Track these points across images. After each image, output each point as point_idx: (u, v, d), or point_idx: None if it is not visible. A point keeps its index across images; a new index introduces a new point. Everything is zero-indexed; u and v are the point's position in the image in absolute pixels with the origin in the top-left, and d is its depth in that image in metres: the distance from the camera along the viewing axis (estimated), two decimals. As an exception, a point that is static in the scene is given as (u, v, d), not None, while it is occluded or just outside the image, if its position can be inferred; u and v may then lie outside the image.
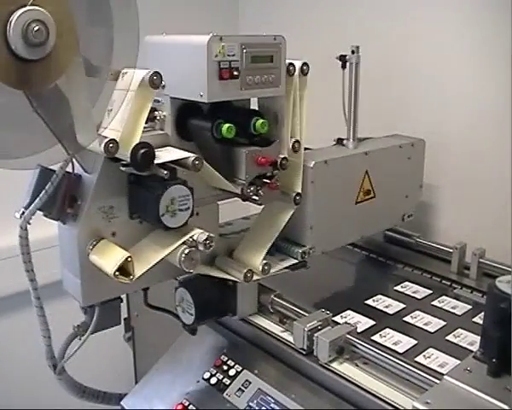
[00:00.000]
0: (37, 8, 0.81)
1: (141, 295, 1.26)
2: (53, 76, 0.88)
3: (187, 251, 1.04)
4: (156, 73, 0.99)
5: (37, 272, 1.11)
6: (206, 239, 1.05)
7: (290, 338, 1.19)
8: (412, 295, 1.44)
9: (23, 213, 1.05)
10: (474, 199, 1.68)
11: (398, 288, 1.48)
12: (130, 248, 1.07)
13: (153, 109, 1.13)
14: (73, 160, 1.06)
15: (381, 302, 1.40)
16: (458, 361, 1.06)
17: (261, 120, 1.12)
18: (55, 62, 0.87)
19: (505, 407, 0.86)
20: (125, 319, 1.72)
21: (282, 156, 1.18)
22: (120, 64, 0.99)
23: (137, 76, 0.98)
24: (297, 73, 1.19)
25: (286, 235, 1.30)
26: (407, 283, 1.51)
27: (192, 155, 1.03)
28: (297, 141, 1.22)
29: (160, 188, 1.01)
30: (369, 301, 1.40)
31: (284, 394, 1.15)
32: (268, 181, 1.16)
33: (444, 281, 1.53)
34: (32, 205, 1.04)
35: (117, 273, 0.99)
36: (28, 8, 0.81)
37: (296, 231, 1.31)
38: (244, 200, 1.17)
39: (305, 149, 1.36)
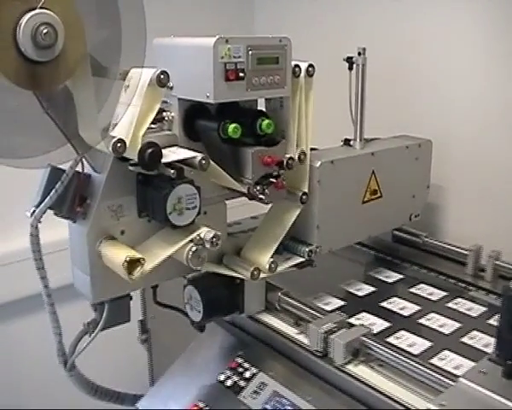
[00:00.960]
0: (46, 11, 0.84)
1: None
2: (62, 77, 0.91)
3: (194, 249, 1.06)
4: (163, 71, 1.00)
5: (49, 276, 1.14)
6: (212, 237, 1.07)
7: (305, 340, 1.20)
8: (427, 297, 1.44)
9: (34, 211, 1.07)
10: (485, 200, 1.69)
11: (413, 290, 1.47)
12: (138, 246, 1.10)
13: (161, 110, 1.15)
14: (83, 159, 1.08)
15: (395, 304, 1.39)
16: (473, 363, 1.07)
17: (267, 121, 1.14)
18: (64, 64, 0.89)
19: (520, 408, 0.86)
20: (140, 321, 1.74)
21: (289, 156, 1.19)
22: (128, 64, 1.01)
23: (145, 75, 1.00)
24: (303, 74, 1.20)
25: (293, 234, 1.32)
26: (422, 285, 1.50)
27: (199, 155, 1.05)
28: (303, 152, 1.23)
29: (167, 187, 1.03)
30: (384, 303, 1.40)
31: (300, 396, 1.15)
32: (274, 180, 1.17)
33: (459, 283, 1.52)
34: (43, 204, 1.06)
35: (125, 264, 1.01)
36: (37, 11, 0.83)
37: (303, 230, 1.33)
38: (250, 199, 1.19)
39: (313, 149, 1.38)
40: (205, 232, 1.07)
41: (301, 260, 1.31)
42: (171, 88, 1.12)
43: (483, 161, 1.67)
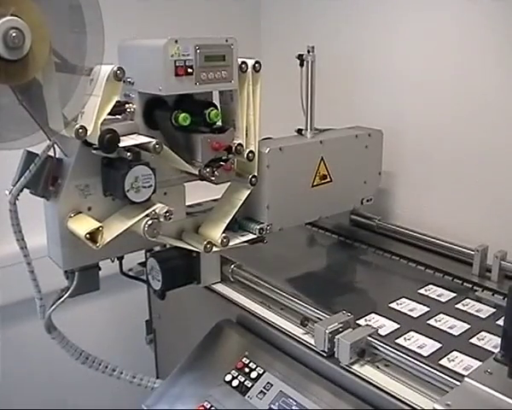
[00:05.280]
0: (15, 18, 1.00)
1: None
2: (30, 73, 1.06)
3: (150, 222, 1.22)
4: (119, 67, 1.17)
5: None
6: (166, 212, 1.23)
7: (311, 340, 1.23)
8: (436, 298, 1.46)
9: (12, 190, 1.24)
10: (439, 187, 1.83)
11: (421, 291, 1.49)
12: (103, 221, 1.26)
13: (124, 103, 1.31)
14: (55, 145, 1.24)
15: (404, 306, 1.42)
16: (482, 364, 1.07)
17: (214, 111, 1.29)
18: (32, 61, 1.05)
19: (525, 408, 0.87)
20: (146, 322, 1.87)
21: (237, 142, 1.35)
22: (91, 62, 1.17)
23: (104, 70, 1.16)
24: (250, 70, 1.35)
25: (247, 213, 1.48)
26: (431, 286, 1.52)
27: (153, 140, 1.21)
28: (251, 151, 1.37)
29: (125, 168, 1.19)
30: (393, 305, 1.42)
31: (306, 396, 1.17)
32: (223, 163, 1.33)
33: (465, 283, 1.54)
34: (19, 183, 1.23)
35: (88, 236, 1.17)
36: (8, 18, 0.99)
37: (255, 210, 1.48)
38: (201, 180, 1.34)
39: (268, 138, 1.54)
40: (159, 208, 1.23)
41: (253, 236, 1.46)
42: (133, 83, 1.30)
43: (433, 150, 1.81)
